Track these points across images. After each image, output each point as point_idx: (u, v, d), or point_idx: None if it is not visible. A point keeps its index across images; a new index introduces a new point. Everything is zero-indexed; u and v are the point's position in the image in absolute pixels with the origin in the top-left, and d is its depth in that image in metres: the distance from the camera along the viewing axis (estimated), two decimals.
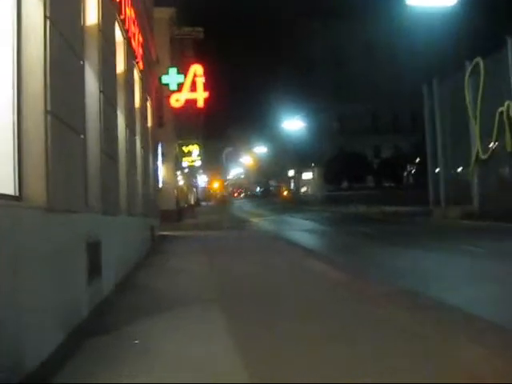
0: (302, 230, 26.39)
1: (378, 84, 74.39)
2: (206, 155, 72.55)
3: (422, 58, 71.35)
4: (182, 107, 23.11)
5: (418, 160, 67.68)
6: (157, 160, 19.72)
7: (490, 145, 22.06)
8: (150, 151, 16.60)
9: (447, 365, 4.21)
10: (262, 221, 34.71)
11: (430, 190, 27.77)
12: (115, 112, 9.38)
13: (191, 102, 22.18)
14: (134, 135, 12.07)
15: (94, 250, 6.99)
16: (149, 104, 16.86)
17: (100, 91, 7.93)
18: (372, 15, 70.81)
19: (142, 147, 14.01)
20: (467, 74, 23.20)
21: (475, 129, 22.99)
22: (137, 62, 12.80)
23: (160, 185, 20.47)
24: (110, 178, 8.57)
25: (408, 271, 10.52)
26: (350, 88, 75.04)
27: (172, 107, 22.85)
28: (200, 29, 36.29)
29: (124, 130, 10.73)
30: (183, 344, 5.16)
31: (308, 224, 30.57)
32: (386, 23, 71.02)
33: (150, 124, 17.15)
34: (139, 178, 13.28)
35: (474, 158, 23.06)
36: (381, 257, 13.43)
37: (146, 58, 15.50)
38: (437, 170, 27.47)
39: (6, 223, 3.91)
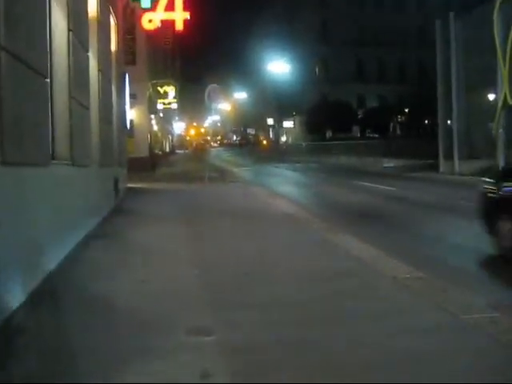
0: (292, 183, 22.98)
1: (364, 28, 70.21)
2: (182, 100, 68.13)
3: None
4: (156, 31, 18.96)
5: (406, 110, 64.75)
6: (124, 96, 15.89)
7: None
8: (112, 81, 12.78)
9: None
10: (245, 171, 31.19)
11: (440, 142, 24.45)
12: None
13: (168, 25, 17.99)
14: (85, 48, 8.29)
15: None
16: (112, 19, 12.95)
17: None
18: None
19: (100, 71, 10.24)
20: (497, 4, 19.46)
21: (503, 71, 19.43)
22: None
23: (128, 126, 16.68)
24: (30, 103, 4.95)
25: None
26: (335, 32, 70.58)
27: (144, 31, 18.63)
28: None
29: (65, 33, 7.00)
30: None
31: (297, 176, 27.16)
32: None
33: (113, 47, 13.29)
34: (94, 113, 9.57)
35: (500, 104, 19.56)
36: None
37: None
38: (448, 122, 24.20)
39: None
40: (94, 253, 6.98)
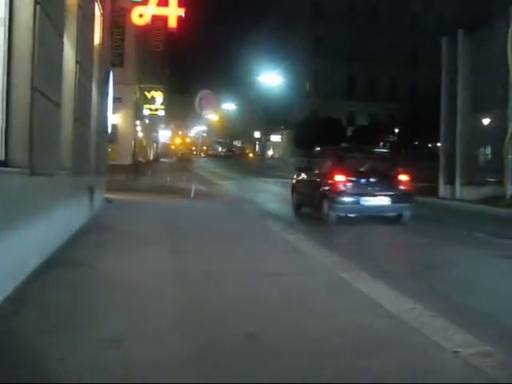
0: (283, 200, 21.46)
1: (357, 45, 69.52)
2: (168, 108, 66.51)
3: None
4: (147, 30, 17.44)
5: (397, 130, 63.90)
6: (106, 98, 14.36)
7: None
8: (93, 79, 11.26)
9: None
10: (232, 185, 29.76)
11: (441, 166, 23.22)
12: None
13: (159, 26, 16.41)
14: (57, 30, 6.77)
15: None
16: (97, 8, 11.45)
17: None
18: None
19: (78, 63, 8.72)
20: None
21: None
22: None
23: (109, 131, 15.18)
24: None
25: None
26: (328, 47, 69.62)
27: (134, 29, 17.15)
28: None
29: (31, 5, 5.51)
30: None
31: (287, 193, 25.67)
32: None
33: (97, 40, 11.79)
34: (67, 111, 8.06)
35: (510, 130, 18.37)
36: None
37: None
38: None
39: None
40: (49, 292, 5.41)
